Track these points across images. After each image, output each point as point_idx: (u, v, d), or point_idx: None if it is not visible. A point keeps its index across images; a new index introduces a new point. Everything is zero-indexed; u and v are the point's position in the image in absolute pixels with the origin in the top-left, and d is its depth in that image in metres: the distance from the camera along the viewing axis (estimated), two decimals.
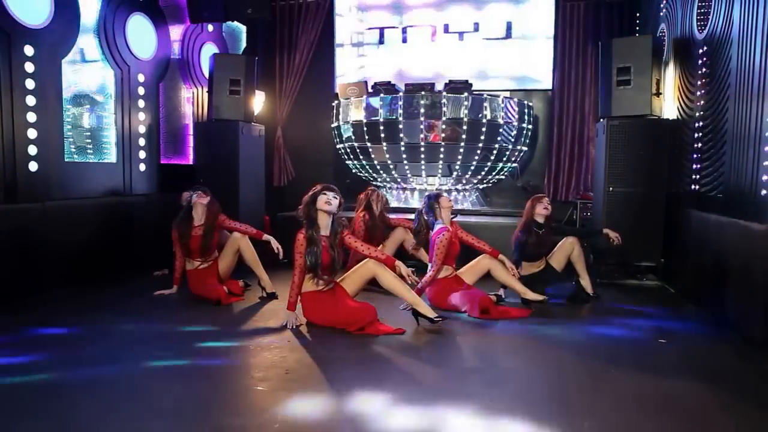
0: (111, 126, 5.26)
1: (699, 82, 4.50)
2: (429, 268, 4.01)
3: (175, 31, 6.12)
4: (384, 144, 6.32)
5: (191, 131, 6.44)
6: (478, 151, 6.26)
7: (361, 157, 6.63)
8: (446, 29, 7.25)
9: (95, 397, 2.43)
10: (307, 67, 7.38)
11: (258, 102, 6.49)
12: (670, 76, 5.28)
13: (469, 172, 6.44)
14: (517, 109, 6.42)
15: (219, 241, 4.44)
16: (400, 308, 3.83)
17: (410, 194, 6.78)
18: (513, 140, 6.44)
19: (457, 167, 6.36)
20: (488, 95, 6.24)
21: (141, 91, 5.53)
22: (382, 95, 6.36)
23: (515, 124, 6.39)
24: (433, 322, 3.51)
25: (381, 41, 7.45)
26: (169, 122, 6.11)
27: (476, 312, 3.81)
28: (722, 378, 2.77)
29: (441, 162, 6.32)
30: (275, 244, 4.20)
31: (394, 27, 7.40)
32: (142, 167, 5.57)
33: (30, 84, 4.26)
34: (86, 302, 4.14)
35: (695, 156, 4.55)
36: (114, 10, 5.13)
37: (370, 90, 6.78)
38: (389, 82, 6.74)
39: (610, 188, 5.05)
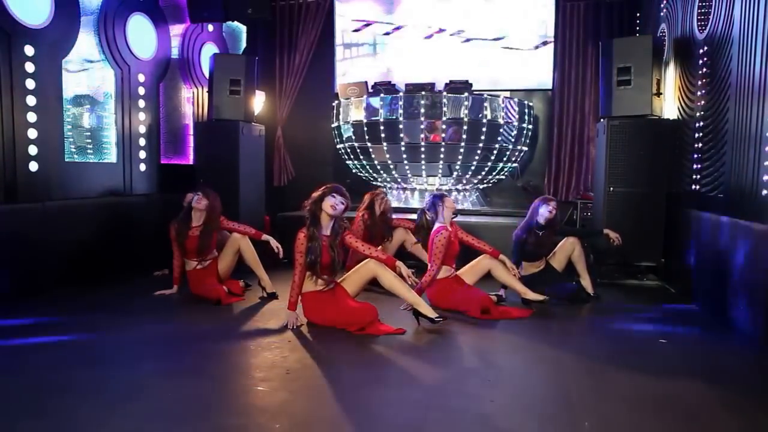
0: (111, 126, 5.26)
1: (699, 82, 4.50)
2: (429, 268, 4.01)
3: (175, 31, 6.12)
4: (384, 144, 6.32)
5: (191, 131, 6.44)
6: (479, 151, 6.26)
7: (361, 157, 6.63)
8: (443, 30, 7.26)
9: (95, 398, 2.43)
10: (307, 67, 7.38)
11: (258, 102, 6.49)
12: (671, 76, 5.28)
13: (470, 172, 6.44)
14: (517, 109, 6.42)
15: (219, 241, 4.44)
16: (401, 308, 3.83)
17: (410, 194, 6.78)
18: (513, 140, 6.44)
19: (457, 167, 6.36)
20: (488, 95, 6.24)
21: (141, 91, 5.53)
22: (382, 95, 6.36)
23: (515, 124, 6.39)
24: (433, 322, 3.50)
25: (375, 43, 7.46)
26: (169, 122, 6.11)
27: (477, 312, 3.81)
28: (723, 378, 2.77)
29: (441, 162, 6.32)
30: (274, 243, 4.20)
31: (387, 23, 7.40)
32: (143, 167, 5.57)
33: (30, 84, 4.25)
34: (86, 302, 4.13)
35: (696, 156, 4.54)
36: (114, 10, 5.13)
37: (370, 90, 6.78)
38: (389, 82, 6.75)
39: (611, 188, 5.04)
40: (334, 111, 6.84)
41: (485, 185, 6.96)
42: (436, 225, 4.04)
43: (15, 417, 2.24)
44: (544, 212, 4.34)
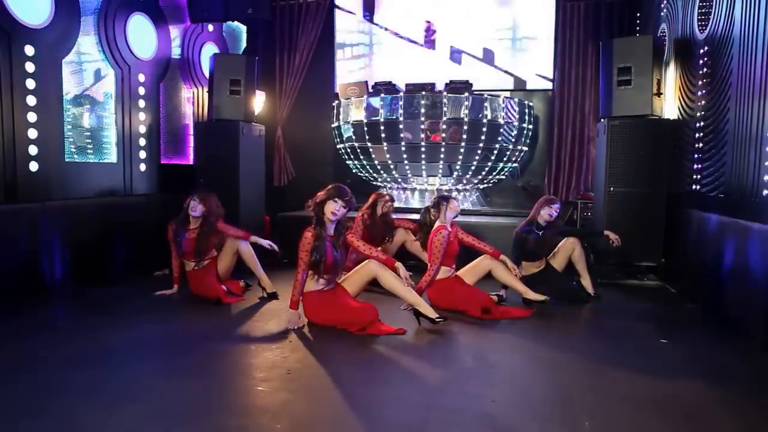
0: (111, 126, 5.26)
1: (700, 82, 4.50)
2: (429, 267, 4.01)
3: (176, 31, 6.12)
4: (384, 144, 6.31)
5: (191, 131, 6.44)
6: (479, 151, 6.26)
7: (361, 157, 6.63)
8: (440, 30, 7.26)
9: (96, 398, 2.42)
10: (308, 67, 7.37)
11: (258, 102, 6.49)
12: (671, 76, 5.28)
13: (470, 172, 6.44)
14: (517, 109, 6.42)
15: (219, 241, 4.43)
16: (401, 308, 3.82)
17: (410, 194, 6.78)
18: (513, 140, 6.44)
19: (457, 167, 6.36)
20: (489, 95, 6.24)
21: (141, 91, 5.53)
22: (382, 95, 6.36)
23: (516, 124, 6.39)
24: (434, 323, 3.50)
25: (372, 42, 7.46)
26: (169, 122, 6.11)
27: (477, 312, 3.81)
28: (723, 378, 2.77)
29: (441, 162, 6.32)
30: (265, 243, 4.21)
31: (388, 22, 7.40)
32: (143, 167, 5.57)
33: (30, 84, 4.25)
34: (86, 302, 4.13)
35: (696, 156, 4.54)
36: (114, 10, 5.13)
37: (370, 90, 6.78)
38: (390, 82, 6.74)
39: (611, 188, 5.04)
40: (334, 111, 6.84)
41: (485, 185, 6.96)
42: (437, 224, 4.04)
43: (16, 417, 2.24)
44: (545, 214, 4.34)
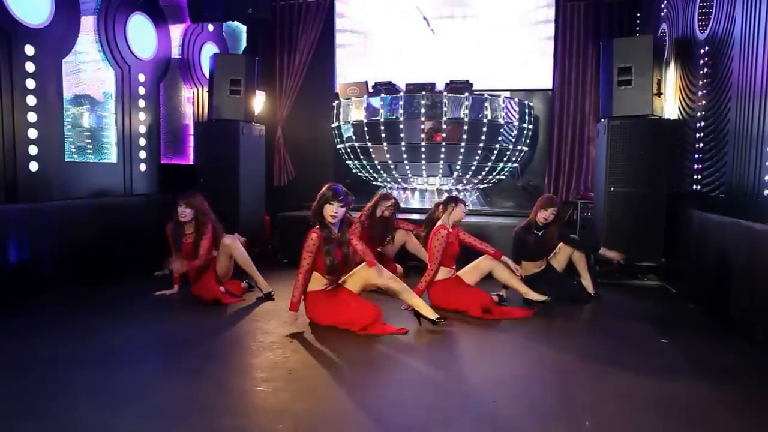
0: (111, 126, 5.25)
1: (700, 82, 4.50)
2: (428, 267, 4.01)
3: (176, 31, 6.12)
4: (384, 144, 6.31)
5: (191, 131, 6.44)
6: (479, 151, 6.26)
7: (361, 157, 6.62)
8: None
9: (96, 398, 2.42)
10: (307, 67, 7.37)
11: (258, 102, 6.49)
12: (671, 76, 5.28)
13: (470, 172, 6.43)
14: (517, 109, 6.42)
15: (216, 241, 4.41)
16: (402, 308, 3.82)
17: (411, 194, 6.77)
18: (513, 140, 6.44)
19: (457, 167, 6.35)
20: (489, 95, 6.24)
21: (141, 90, 5.53)
22: (382, 95, 6.35)
23: (516, 124, 6.39)
24: (434, 324, 3.50)
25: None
26: (169, 122, 6.11)
27: (478, 312, 3.81)
28: (724, 378, 2.77)
29: (442, 162, 6.32)
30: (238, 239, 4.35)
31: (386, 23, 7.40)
32: (143, 167, 5.57)
33: (30, 84, 4.25)
34: (86, 302, 4.13)
35: (697, 156, 4.54)
36: (114, 10, 5.13)
37: (370, 90, 6.77)
38: (390, 82, 6.73)
39: (611, 188, 5.04)
40: (334, 111, 6.84)
41: (485, 185, 6.96)
42: (438, 223, 4.04)
43: (16, 417, 2.23)
44: (540, 217, 4.34)
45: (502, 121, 6.25)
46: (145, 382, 2.63)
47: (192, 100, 6.46)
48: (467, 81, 6.36)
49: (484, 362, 3.08)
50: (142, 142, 5.56)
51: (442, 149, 6.22)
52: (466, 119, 6.11)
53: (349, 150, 6.73)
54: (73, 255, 4.56)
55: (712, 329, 3.65)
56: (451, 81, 6.38)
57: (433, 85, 6.41)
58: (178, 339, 3.34)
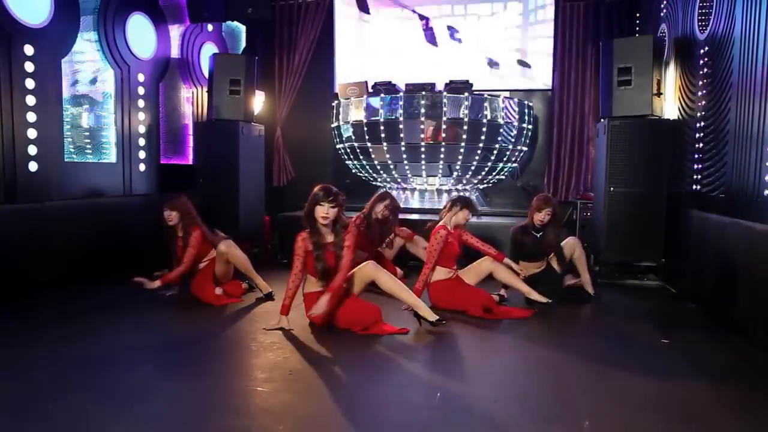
0: (111, 126, 5.25)
1: (700, 82, 4.50)
2: (424, 266, 4.01)
3: (175, 31, 6.11)
4: (384, 144, 6.31)
5: (191, 131, 6.43)
6: (479, 152, 6.26)
7: (361, 157, 6.62)
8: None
9: (96, 398, 2.42)
10: (307, 67, 7.36)
11: (258, 102, 6.48)
12: (671, 77, 5.28)
13: (470, 172, 6.44)
14: (517, 109, 6.42)
15: (212, 242, 4.39)
16: (402, 308, 3.82)
17: (410, 194, 6.77)
18: (513, 140, 6.44)
19: (457, 167, 6.35)
20: (488, 95, 6.24)
21: (141, 90, 5.52)
22: (382, 95, 6.35)
23: (515, 124, 6.39)
24: (434, 325, 3.49)
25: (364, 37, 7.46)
26: (168, 122, 6.10)
27: (478, 311, 3.81)
28: (724, 378, 2.77)
29: (441, 162, 6.32)
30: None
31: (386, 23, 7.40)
32: (142, 167, 5.56)
33: (30, 84, 4.24)
34: (86, 303, 4.12)
35: (696, 156, 4.54)
36: (114, 10, 5.12)
37: (370, 90, 6.77)
38: (389, 82, 6.73)
39: (611, 188, 5.04)
40: (334, 111, 6.83)
41: (485, 185, 6.96)
42: (439, 223, 4.04)
43: (16, 418, 2.23)
44: (536, 218, 4.33)
45: (501, 121, 6.25)
46: (146, 383, 2.63)
47: (191, 100, 6.46)
48: (467, 81, 6.36)
49: (485, 362, 3.08)
50: (142, 142, 5.55)
51: (442, 149, 6.22)
52: (465, 119, 6.11)
53: (348, 150, 6.73)
54: (72, 255, 4.55)
55: (712, 329, 3.65)
56: (450, 81, 6.38)
57: (432, 85, 6.41)
58: (178, 339, 3.34)
